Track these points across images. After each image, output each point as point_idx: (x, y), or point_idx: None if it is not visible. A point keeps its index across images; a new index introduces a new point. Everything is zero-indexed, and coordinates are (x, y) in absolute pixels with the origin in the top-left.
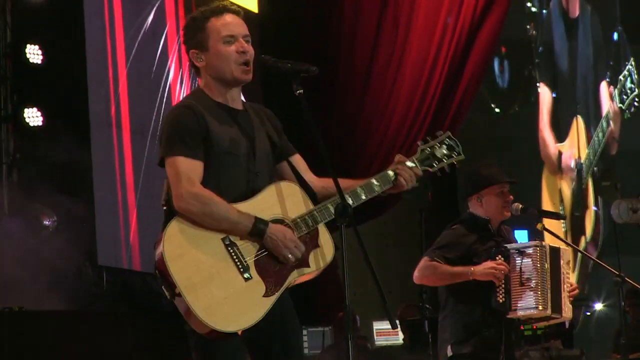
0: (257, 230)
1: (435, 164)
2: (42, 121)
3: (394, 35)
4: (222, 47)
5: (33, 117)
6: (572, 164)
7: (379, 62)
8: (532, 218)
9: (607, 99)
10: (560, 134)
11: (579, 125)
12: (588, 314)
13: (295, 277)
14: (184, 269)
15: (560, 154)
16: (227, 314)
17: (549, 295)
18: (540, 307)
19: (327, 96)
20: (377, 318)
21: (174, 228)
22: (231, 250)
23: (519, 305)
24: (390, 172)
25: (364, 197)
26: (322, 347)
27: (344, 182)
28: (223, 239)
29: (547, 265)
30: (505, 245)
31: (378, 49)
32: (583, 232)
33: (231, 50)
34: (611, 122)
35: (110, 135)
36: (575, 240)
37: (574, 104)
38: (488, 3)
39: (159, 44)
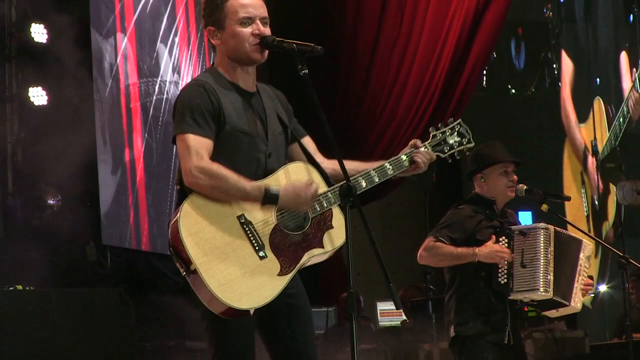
0: (269, 197)
1: (447, 149)
2: (47, 100)
3: (400, 16)
4: (239, 28)
5: (38, 96)
6: (592, 151)
7: (384, 43)
8: (536, 199)
9: (627, 71)
10: (581, 113)
11: (597, 109)
12: (592, 295)
13: (310, 257)
14: (200, 246)
15: (584, 142)
16: (241, 291)
17: (552, 278)
18: (542, 290)
19: (332, 77)
20: (381, 299)
21: (190, 205)
22: (247, 229)
23: (520, 287)
24: (404, 157)
25: (377, 180)
26: (325, 328)
27: (355, 164)
28: (239, 217)
29: (550, 248)
30: (510, 226)
31: (383, 29)
32: (605, 217)
33: (247, 32)
34: (631, 108)
35: (117, 114)
36: (597, 224)
37: (594, 77)
38: None
39: (163, 20)
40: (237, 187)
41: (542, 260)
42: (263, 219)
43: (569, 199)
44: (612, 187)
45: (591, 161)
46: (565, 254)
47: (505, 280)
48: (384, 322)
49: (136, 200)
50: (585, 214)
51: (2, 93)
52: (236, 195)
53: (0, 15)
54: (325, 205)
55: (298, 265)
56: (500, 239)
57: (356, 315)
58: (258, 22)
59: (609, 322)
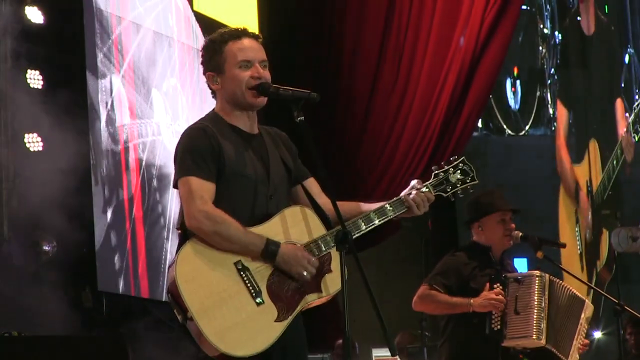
0: (269, 251)
1: (449, 189)
2: (42, 146)
3: (399, 55)
4: (238, 72)
5: (33, 142)
6: (586, 190)
7: (382, 84)
8: (531, 246)
9: (622, 118)
10: (576, 155)
11: (592, 150)
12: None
13: (308, 302)
14: (196, 293)
15: (577, 184)
16: (238, 338)
17: (545, 325)
18: (534, 337)
19: (329, 119)
20: (376, 345)
21: (187, 251)
22: (243, 275)
23: (513, 333)
24: (404, 197)
25: (376, 222)
26: None
27: (354, 205)
28: (235, 263)
29: (545, 296)
30: (505, 274)
31: (381, 70)
32: (597, 257)
33: (246, 75)
34: (625, 150)
35: (113, 159)
36: (590, 266)
37: (589, 124)
38: (491, 29)
39: (160, 62)
40: (239, 237)
41: (535, 308)
42: (260, 264)
43: (564, 245)
44: (605, 231)
45: (584, 200)
46: (568, 311)
47: (499, 327)
48: None
49: (133, 246)
50: (579, 251)
51: None
52: (237, 243)
53: None
54: (324, 248)
55: (295, 311)
56: (495, 286)
57: None
58: (257, 65)
59: None
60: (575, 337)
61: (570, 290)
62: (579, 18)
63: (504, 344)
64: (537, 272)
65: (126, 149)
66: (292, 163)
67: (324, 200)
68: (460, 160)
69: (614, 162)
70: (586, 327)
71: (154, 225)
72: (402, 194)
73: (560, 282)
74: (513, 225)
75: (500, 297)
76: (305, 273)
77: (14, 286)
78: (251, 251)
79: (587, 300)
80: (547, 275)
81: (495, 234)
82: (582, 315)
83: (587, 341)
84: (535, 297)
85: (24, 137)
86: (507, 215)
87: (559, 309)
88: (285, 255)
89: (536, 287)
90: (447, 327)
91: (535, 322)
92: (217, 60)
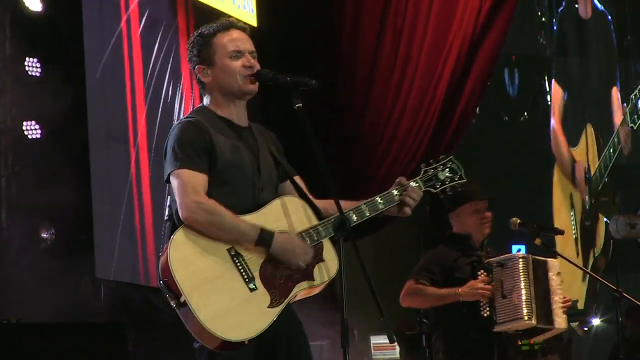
0: (263, 239)
1: (438, 185)
2: (41, 134)
3: (396, 48)
4: (229, 62)
5: (31, 129)
6: (584, 176)
7: (380, 76)
8: (529, 233)
9: (618, 106)
10: (571, 138)
11: (589, 134)
12: (586, 329)
13: (300, 290)
14: (190, 278)
15: (574, 161)
16: (232, 323)
17: (534, 305)
18: (526, 318)
19: (327, 110)
20: (375, 332)
21: (180, 238)
22: (237, 261)
23: (503, 318)
24: (395, 192)
25: (367, 214)
26: None
27: (345, 203)
28: (229, 250)
29: (531, 276)
30: (488, 259)
31: (379, 61)
32: (594, 244)
33: (238, 65)
34: (623, 140)
35: (113, 148)
36: (586, 251)
37: (585, 108)
38: (490, 15)
39: (160, 57)
40: (233, 226)
41: (522, 290)
42: (253, 251)
43: (562, 232)
44: (601, 217)
45: (581, 180)
46: (537, 278)
47: (488, 313)
48: (377, 355)
49: (136, 234)
50: (574, 236)
51: None
52: (232, 232)
53: None
54: (316, 238)
55: (288, 298)
56: (479, 273)
57: (349, 349)
58: (247, 55)
59: (604, 356)
60: (552, 299)
61: (538, 259)
62: (577, 5)
63: (496, 329)
64: (519, 254)
65: (127, 134)
66: (280, 158)
67: (310, 198)
68: (448, 158)
69: (611, 150)
70: (560, 282)
71: (154, 212)
72: (392, 188)
73: (543, 259)
74: (488, 214)
75: (485, 284)
76: (300, 262)
77: (13, 273)
78: (245, 240)
79: (547, 260)
80: (530, 256)
81: (470, 223)
82: (550, 274)
83: (567, 297)
84: (521, 279)
85: (22, 125)
86: (481, 204)
87: (536, 283)
88: (280, 244)
89: (520, 268)
90: (438, 322)
91: (524, 303)
92: (207, 53)
